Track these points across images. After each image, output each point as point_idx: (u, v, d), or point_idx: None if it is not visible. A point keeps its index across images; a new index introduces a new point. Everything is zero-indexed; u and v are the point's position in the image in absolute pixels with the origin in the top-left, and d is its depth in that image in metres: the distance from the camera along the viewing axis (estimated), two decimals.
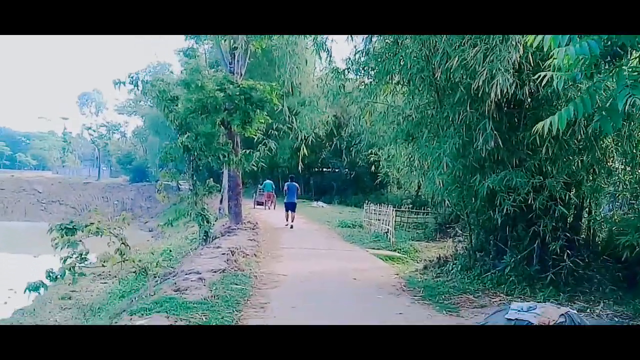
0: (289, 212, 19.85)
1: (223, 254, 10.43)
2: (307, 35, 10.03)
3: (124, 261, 8.84)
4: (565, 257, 8.33)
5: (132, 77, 15.70)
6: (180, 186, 22.37)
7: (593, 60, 4.53)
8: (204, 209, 16.23)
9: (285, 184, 21.85)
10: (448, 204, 10.68)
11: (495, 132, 7.55)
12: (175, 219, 17.07)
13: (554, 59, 4.58)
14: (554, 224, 8.31)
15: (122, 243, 8.83)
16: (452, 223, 17.97)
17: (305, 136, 10.64)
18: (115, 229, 8.90)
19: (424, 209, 21.37)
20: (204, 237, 16.06)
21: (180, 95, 16.10)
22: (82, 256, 8.65)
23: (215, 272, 8.92)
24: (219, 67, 19.35)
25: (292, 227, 19.39)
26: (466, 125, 8.05)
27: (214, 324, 6.10)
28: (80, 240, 8.68)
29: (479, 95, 7.50)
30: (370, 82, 9.46)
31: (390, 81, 9.35)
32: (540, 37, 4.46)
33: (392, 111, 9.89)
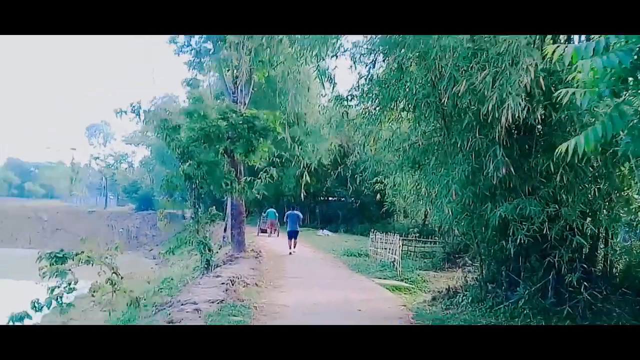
0: (292, 240, 20.38)
1: (222, 283, 10.06)
2: (311, 63, 9.76)
3: (115, 292, 8.45)
4: (582, 290, 7.92)
5: (134, 107, 15.57)
6: (185, 214, 22.25)
7: (621, 74, 4.15)
8: (205, 237, 15.92)
9: (286, 213, 22.19)
10: (457, 233, 10.33)
11: (506, 158, 7.22)
12: (177, 247, 16.87)
13: (577, 72, 4.19)
14: (570, 254, 7.91)
15: (114, 272, 8.47)
16: (460, 252, 17.55)
17: (307, 164, 10.31)
18: (107, 257, 8.55)
19: (431, 238, 20.94)
20: (206, 266, 15.71)
21: (182, 124, 15.95)
22: (70, 286, 8.29)
23: (212, 302, 8.55)
24: (222, 98, 19.24)
25: (291, 253, 19.84)
26: (475, 151, 7.73)
27: None
28: (70, 269, 8.34)
29: (488, 120, 7.22)
30: (375, 109, 9.19)
31: (395, 107, 9.09)
32: (561, 47, 4.13)
33: (398, 138, 9.61)
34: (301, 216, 22.57)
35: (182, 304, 8.52)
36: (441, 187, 8.04)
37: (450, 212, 7.73)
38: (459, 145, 7.80)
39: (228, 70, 17.97)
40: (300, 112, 29.04)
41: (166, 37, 19.75)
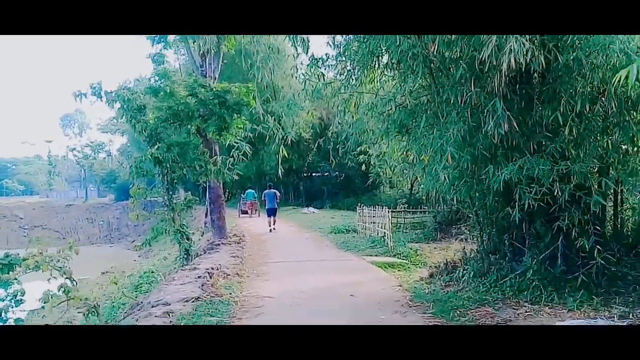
0: (271, 217, 20.92)
1: (199, 277, 9.06)
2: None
3: (68, 300, 7.40)
4: (595, 254, 7.07)
5: (94, 88, 14.30)
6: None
7: None
8: (183, 226, 14.87)
9: (264, 192, 22.94)
10: (454, 201, 9.42)
11: (507, 112, 6.25)
12: (153, 238, 15.71)
13: None
14: (580, 216, 7.03)
15: (67, 278, 7.41)
16: (453, 221, 16.78)
17: (283, 136, 9.22)
18: (59, 261, 7.47)
19: (420, 208, 20.18)
20: (185, 256, 14.70)
21: (148, 104, 14.76)
22: (17, 298, 7.21)
23: (187, 301, 7.56)
24: (191, 73, 17.96)
25: (272, 230, 20.36)
26: (471, 107, 6.74)
27: None
28: (16, 278, 7.25)
29: (486, 70, 6.24)
30: (354, 68, 8.13)
31: (376, 64, 8.05)
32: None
33: (381, 101, 8.59)
34: (278, 194, 22.83)
35: (152, 306, 7.54)
36: (434, 151, 7.05)
37: (447, 179, 6.74)
38: (451, 101, 6.79)
39: (194, 42, 16.65)
40: (276, 86, 28.00)
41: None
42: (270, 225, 20.62)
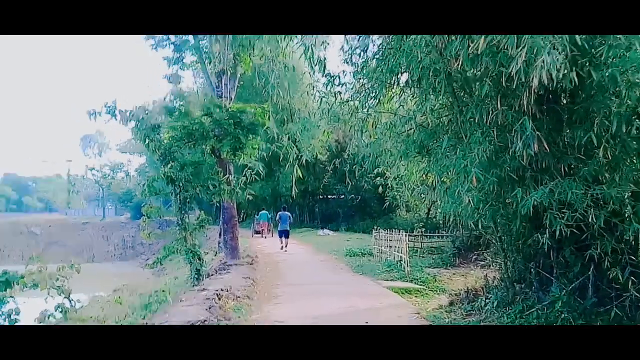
0: (283, 238, 21.74)
1: (207, 298, 8.68)
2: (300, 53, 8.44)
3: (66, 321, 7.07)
4: (629, 286, 6.58)
5: (108, 107, 14.18)
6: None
7: None
8: (195, 245, 14.57)
9: (278, 213, 23.59)
10: (474, 225, 8.98)
11: (537, 132, 5.85)
12: (165, 257, 15.47)
13: None
14: (613, 245, 6.56)
15: (66, 297, 7.07)
16: (472, 247, 16.25)
17: (298, 156, 8.89)
18: (58, 279, 7.14)
19: (438, 232, 19.65)
20: (196, 276, 14.38)
21: (162, 123, 14.60)
22: (11, 317, 6.88)
23: (192, 324, 7.18)
24: (206, 94, 17.86)
25: (284, 249, 20.99)
26: (498, 127, 6.37)
27: None
28: (12, 296, 6.93)
29: (513, 87, 5.87)
30: (372, 86, 7.80)
31: (395, 82, 7.73)
32: None
33: (400, 120, 8.25)
34: (290, 216, 23.29)
35: None
36: (457, 172, 6.65)
37: (471, 202, 6.32)
38: (476, 120, 6.41)
39: (210, 63, 16.55)
40: (292, 107, 27.84)
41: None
42: (282, 246, 21.27)
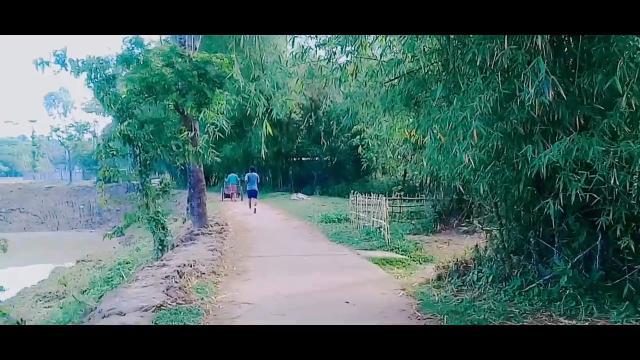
0: (251, 199, 22.09)
1: (167, 276, 7.59)
2: None
3: None
4: None
5: (58, 56, 12.67)
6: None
7: None
8: (157, 213, 13.39)
9: (246, 174, 23.86)
10: (461, 189, 8.01)
11: (552, 76, 4.79)
12: (126, 226, 14.25)
13: None
14: (626, 210, 5.65)
15: None
16: (454, 211, 15.44)
17: (267, 109, 7.66)
18: None
19: (417, 196, 18.78)
20: (160, 247, 13.26)
21: (119, 74, 13.18)
22: None
23: (145, 310, 6.10)
24: (167, 41, 16.32)
25: (255, 211, 21.25)
26: (503, 71, 5.31)
27: None
28: None
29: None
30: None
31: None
32: None
33: (384, 68, 7.12)
34: (259, 177, 24.01)
35: (103, 316, 6.08)
36: (453, 127, 5.58)
37: (471, 162, 5.27)
38: (478, 61, 5.31)
39: None
40: (265, 62, 26.24)
41: None
42: (250, 207, 21.62)
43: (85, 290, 14.90)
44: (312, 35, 7.09)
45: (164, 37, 23.79)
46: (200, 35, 15.31)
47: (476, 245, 8.34)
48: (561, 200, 5.40)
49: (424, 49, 5.94)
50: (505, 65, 5.19)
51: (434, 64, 6.52)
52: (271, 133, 7.75)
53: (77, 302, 11.42)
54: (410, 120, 7.55)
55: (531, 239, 6.92)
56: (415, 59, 6.80)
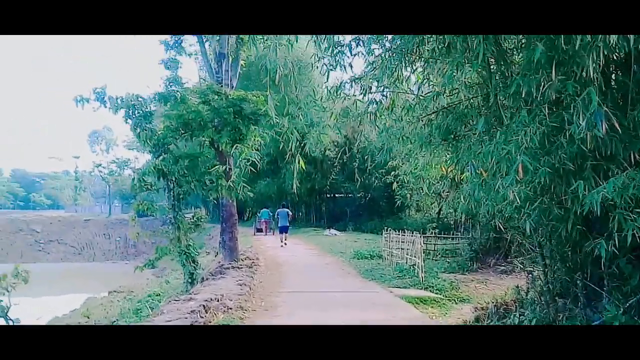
0: (282, 234, 23.13)
1: (192, 311, 7.40)
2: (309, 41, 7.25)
3: None
4: None
5: (98, 93, 12.97)
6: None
7: None
8: (189, 246, 13.36)
9: (277, 211, 25.12)
10: (501, 228, 7.65)
11: (605, 108, 4.51)
12: (157, 259, 14.25)
13: None
14: None
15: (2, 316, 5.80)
16: (491, 250, 14.92)
17: (300, 144, 7.52)
18: None
19: (452, 234, 18.30)
20: (189, 280, 13.17)
21: (155, 111, 13.39)
22: None
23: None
24: (205, 81, 16.58)
25: (283, 246, 21.98)
26: (551, 102, 5.04)
27: None
28: None
29: (574, 49, 4.55)
30: (389, 57, 6.46)
31: (418, 51, 6.39)
32: None
33: (421, 102, 6.93)
34: (290, 213, 25.23)
35: None
36: (496, 161, 5.30)
37: (516, 198, 4.97)
38: (523, 93, 5.06)
39: (210, 45, 15.22)
40: (301, 101, 26.48)
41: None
42: (281, 242, 22.49)
43: (115, 321, 14.85)
44: (346, 71, 6.91)
45: (201, 76, 24.37)
46: (238, 73, 15.49)
47: (517, 287, 7.90)
48: (616, 241, 5.02)
49: (465, 82, 5.72)
50: (553, 97, 4.91)
51: (474, 98, 6.28)
52: (304, 168, 7.62)
53: None
54: (449, 155, 7.29)
55: (578, 282, 6.48)
56: (454, 92, 6.62)
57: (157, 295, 16.84)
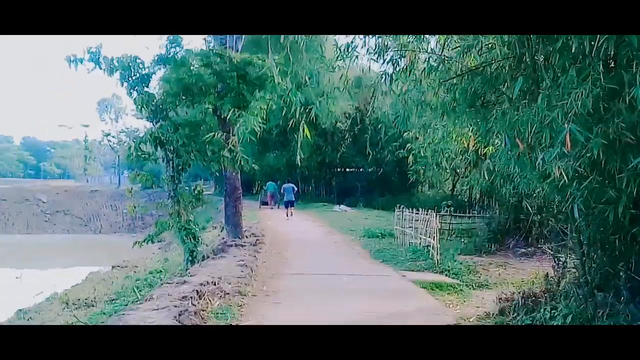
0: (288, 208, 24.08)
1: (184, 297, 6.63)
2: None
3: None
4: None
5: (92, 53, 12.07)
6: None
7: None
8: (189, 222, 12.58)
9: (282, 186, 26.36)
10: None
11: None
12: (156, 234, 13.52)
13: None
14: None
15: None
16: (510, 231, 14.04)
17: (304, 109, 6.58)
18: None
19: (469, 212, 17.35)
20: (189, 258, 12.44)
21: (153, 74, 12.50)
22: None
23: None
24: (208, 42, 15.59)
25: (288, 218, 23.23)
26: (604, 60, 4.11)
27: None
28: None
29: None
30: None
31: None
32: None
33: (445, 64, 6.01)
34: (295, 188, 26.48)
35: None
36: (538, 130, 4.40)
37: (563, 175, 4.06)
38: (572, 49, 4.13)
39: None
40: (311, 70, 25.35)
41: None
42: (287, 215, 23.49)
43: (113, 300, 14.22)
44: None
45: (205, 37, 23.34)
46: (244, 36, 14.50)
47: (547, 275, 7.07)
48: None
49: (497, 44, 4.78)
50: (611, 53, 3.99)
51: (508, 58, 5.33)
52: (309, 137, 6.71)
53: (101, 314, 10.72)
54: (473, 125, 6.35)
55: (622, 274, 5.62)
56: (483, 52, 5.68)
57: (158, 272, 16.16)
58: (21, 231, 41.81)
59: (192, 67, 12.64)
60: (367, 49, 6.27)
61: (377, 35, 6.14)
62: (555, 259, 7.26)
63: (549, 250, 7.42)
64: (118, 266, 24.01)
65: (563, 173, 4.01)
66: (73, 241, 37.86)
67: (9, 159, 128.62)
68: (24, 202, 44.90)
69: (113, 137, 73.83)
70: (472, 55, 5.69)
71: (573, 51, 4.16)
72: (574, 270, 6.38)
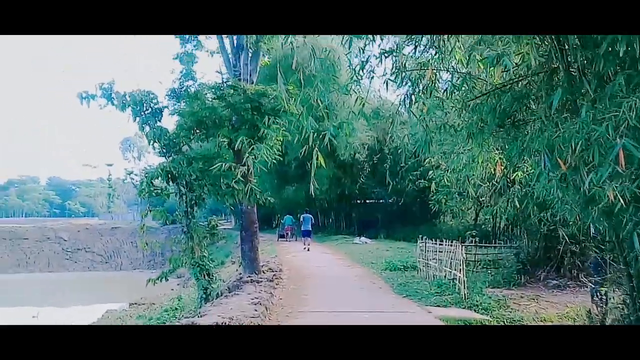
0: (306, 238, 24.09)
1: None
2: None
3: None
4: None
5: (104, 89, 11.90)
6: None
7: None
8: (203, 258, 12.13)
9: (301, 216, 26.30)
10: (562, 234, 6.13)
11: None
12: (170, 271, 13.11)
13: None
14: None
15: None
16: (540, 262, 13.27)
17: (319, 134, 6.12)
18: None
19: (494, 243, 16.56)
20: (203, 296, 11.94)
21: (165, 107, 12.25)
22: None
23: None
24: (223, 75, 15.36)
25: (308, 249, 23.07)
26: None
27: None
28: None
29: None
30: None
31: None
32: None
33: (469, 83, 5.52)
34: (312, 218, 26.25)
35: None
36: (583, 148, 3.85)
37: (619, 198, 3.49)
38: (619, 53, 3.62)
39: (228, 37, 13.96)
40: (328, 102, 25.09)
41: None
42: (305, 245, 23.45)
43: None
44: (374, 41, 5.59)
45: (219, 70, 23.27)
46: (258, 68, 14.22)
47: (589, 312, 6.38)
48: None
49: (530, 54, 4.28)
50: None
51: (539, 74, 4.82)
52: (324, 164, 6.24)
53: None
54: (505, 146, 5.81)
55: None
56: (509, 68, 5.17)
57: (173, 310, 15.69)
58: (42, 269, 41.89)
59: (205, 101, 12.38)
60: (384, 70, 5.83)
61: (393, 56, 5.74)
62: (597, 294, 6.60)
63: (589, 283, 6.70)
64: (135, 303, 23.65)
65: (618, 196, 3.44)
66: (93, 278, 37.69)
67: (35, 198, 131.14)
68: (46, 241, 45.05)
69: (136, 174, 74.67)
70: (499, 70, 5.18)
71: (620, 55, 3.63)
72: (621, 305, 5.70)
